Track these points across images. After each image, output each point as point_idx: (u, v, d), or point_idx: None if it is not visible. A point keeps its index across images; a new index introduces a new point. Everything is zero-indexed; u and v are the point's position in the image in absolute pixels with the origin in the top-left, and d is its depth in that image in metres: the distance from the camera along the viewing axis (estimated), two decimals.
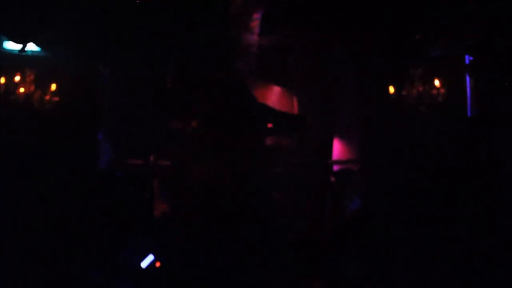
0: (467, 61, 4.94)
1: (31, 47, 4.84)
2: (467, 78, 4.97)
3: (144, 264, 3.55)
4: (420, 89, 5.00)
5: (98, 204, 4.56)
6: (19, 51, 4.64)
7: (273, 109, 3.32)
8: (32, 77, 4.84)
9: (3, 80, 4.73)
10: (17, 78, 4.80)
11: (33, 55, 4.96)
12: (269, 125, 3.38)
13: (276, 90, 5.79)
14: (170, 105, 5.32)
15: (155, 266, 3.79)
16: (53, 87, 4.93)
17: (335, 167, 5.68)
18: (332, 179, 5.47)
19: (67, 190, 4.73)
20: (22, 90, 4.81)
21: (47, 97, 4.90)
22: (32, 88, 4.84)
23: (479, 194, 3.87)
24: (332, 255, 3.69)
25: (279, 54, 5.39)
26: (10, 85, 4.76)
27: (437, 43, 4.88)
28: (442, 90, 4.91)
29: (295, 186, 5.08)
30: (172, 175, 4.99)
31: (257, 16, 4.87)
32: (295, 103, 5.79)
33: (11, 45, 4.88)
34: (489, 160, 4.03)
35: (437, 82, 4.92)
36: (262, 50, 5.21)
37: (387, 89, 5.15)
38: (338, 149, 5.80)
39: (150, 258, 3.52)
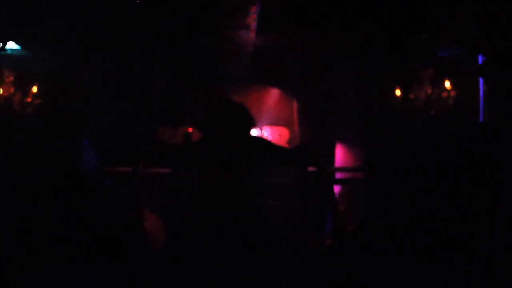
0: (480, 61, 4.66)
1: (11, 45, 4.75)
2: (480, 80, 4.69)
3: None
4: (429, 91, 4.73)
5: (85, 214, 4.38)
6: None
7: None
8: (11, 78, 4.69)
9: None
10: None
11: (13, 55, 4.84)
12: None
13: (274, 92, 5.63)
14: (159, 109, 5.09)
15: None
16: (35, 89, 4.79)
17: (338, 175, 5.43)
18: (335, 187, 5.24)
19: (50, 199, 4.54)
20: (0, 91, 4.66)
21: (28, 100, 4.76)
22: (12, 90, 4.69)
23: (493, 205, 3.64)
24: (334, 265, 3.52)
25: (277, 53, 5.12)
26: None
27: (447, 42, 4.60)
28: (452, 93, 4.63)
29: (294, 195, 4.82)
30: (164, 181, 4.80)
31: (254, 10, 4.50)
32: (295, 107, 5.57)
33: None
34: (503, 169, 3.78)
35: (447, 84, 4.64)
36: (259, 49, 4.96)
37: (393, 92, 4.90)
38: (341, 155, 5.53)
39: None
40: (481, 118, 4.63)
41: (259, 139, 3.12)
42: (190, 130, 5.45)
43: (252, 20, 4.65)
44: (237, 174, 2.89)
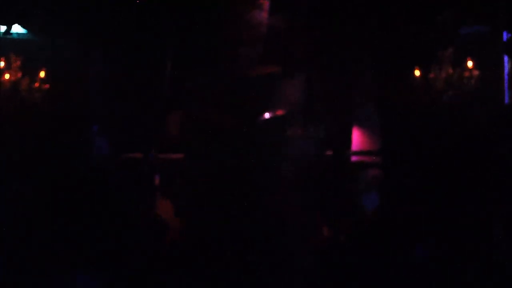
0: (504, 38, 4.56)
1: (17, 29, 4.71)
2: (505, 58, 4.64)
3: None
4: (450, 71, 4.74)
5: (94, 201, 4.41)
6: (4, 33, 4.44)
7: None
8: (18, 63, 4.77)
9: None
10: (2, 64, 4.74)
11: (19, 39, 4.84)
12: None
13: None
14: (169, 94, 5.06)
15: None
16: (42, 74, 4.84)
17: (354, 158, 5.37)
18: (351, 172, 5.21)
19: (60, 186, 4.59)
20: (7, 76, 4.74)
21: (36, 85, 4.83)
22: (19, 75, 4.77)
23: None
24: (348, 255, 3.50)
25: (291, 35, 5.03)
26: None
27: (470, 18, 4.49)
28: (475, 72, 4.62)
29: (308, 181, 4.77)
30: (176, 168, 4.83)
31: None
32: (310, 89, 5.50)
33: None
34: None
35: (469, 64, 4.65)
36: (272, 31, 4.88)
37: (412, 72, 4.88)
38: (358, 139, 5.49)
39: None
40: (506, 99, 4.56)
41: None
42: (202, 114, 5.44)
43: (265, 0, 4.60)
44: (247, 163, 2.92)
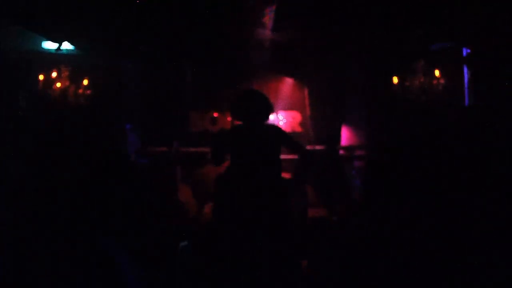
0: (464, 53, 5.15)
1: (66, 46, 5.24)
2: (465, 69, 5.17)
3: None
4: (422, 80, 5.21)
5: (124, 188, 4.92)
6: (56, 50, 5.07)
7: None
8: (67, 73, 5.20)
9: (42, 76, 5.14)
10: (54, 74, 5.18)
11: (68, 53, 5.31)
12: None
13: (288, 81, 6.07)
14: (190, 97, 5.67)
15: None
16: (85, 82, 5.29)
17: (343, 152, 5.86)
18: (340, 163, 5.73)
19: (94, 176, 5.10)
20: (58, 85, 5.18)
21: (80, 91, 5.27)
22: (67, 83, 5.20)
23: (474, 180, 3.98)
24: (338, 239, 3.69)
25: (291, 48, 5.54)
26: (48, 81, 5.16)
27: (438, 37, 5.03)
28: (441, 81, 5.12)
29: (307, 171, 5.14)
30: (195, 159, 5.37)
31: (269, 11, 5.01)
32: (306, 94, 6.05)
33: (49, 45, 5.29)
34: (484, 146, 4.20)
35: (437, 73, 5.13)
36: (274, 44, 5.43)
37: (392, 81, 5.39)
38: (345, 135, 6.02)
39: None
40: (466, 103, 5.15)
41: (277, 127, 3.33)
42: (216, 115, 6.09)
43: (268, 20, 5.24)
44: (260, 153, 3.08)
